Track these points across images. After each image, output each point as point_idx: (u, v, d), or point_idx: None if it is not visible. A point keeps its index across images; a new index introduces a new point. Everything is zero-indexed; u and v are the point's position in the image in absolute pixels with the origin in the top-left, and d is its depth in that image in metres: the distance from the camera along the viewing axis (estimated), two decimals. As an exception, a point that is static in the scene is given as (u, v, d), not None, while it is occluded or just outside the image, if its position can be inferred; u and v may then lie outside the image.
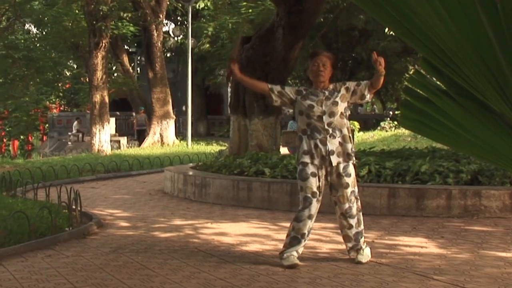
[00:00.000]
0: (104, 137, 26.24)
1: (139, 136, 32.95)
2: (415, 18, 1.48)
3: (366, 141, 25.02)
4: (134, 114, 36.88)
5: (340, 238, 7.39)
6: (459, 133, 1.69)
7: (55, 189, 10.20)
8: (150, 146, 28.35)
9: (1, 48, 32.87)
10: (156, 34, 29.32)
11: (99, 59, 25.94)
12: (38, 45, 34.55)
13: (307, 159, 5.96)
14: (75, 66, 40.50)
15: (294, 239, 5.99)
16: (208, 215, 9.21)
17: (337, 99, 6.03)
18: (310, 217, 5.97)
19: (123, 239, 7.56)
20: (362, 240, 6.14)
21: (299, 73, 33.83)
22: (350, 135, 6.14)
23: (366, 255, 6.13)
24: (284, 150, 14.90)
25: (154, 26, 28.96)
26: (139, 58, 43.73)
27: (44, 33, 34.17)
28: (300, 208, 5.98)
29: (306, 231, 5.99)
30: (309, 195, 5.95)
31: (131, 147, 30.34)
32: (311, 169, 5.95)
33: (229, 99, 27.05)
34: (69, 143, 32.82)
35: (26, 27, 38.27)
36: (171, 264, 6.21)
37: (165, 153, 21.70)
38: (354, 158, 6.08)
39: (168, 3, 31.27)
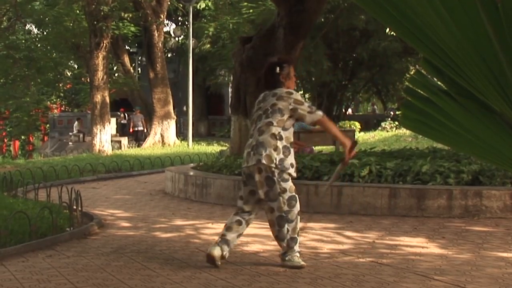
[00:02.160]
0: (105, 137, 26.24)
1: (136, 136, 32.72)
2: (415, 18, 1.48)
3: (367, 141, 25.01)
4: (122, 114, 36.77)
5: (341, 238, 7.41)
6: (460, 133, 1.69)
7: (56, 189, 10.20)
8: (151, 146, 28.35)
9: (2, 48, 32.88)
10: (157, 34, 29.33)
11: (100, 59, 25.94)
12: (39, 45, 34.53)
13: (293, 172, 5.97)
14: (76, 66, 40.49)
15: (292, 240, 5.96)
16: (209, 215, 9.21)
17: None
18: (299, 213, 5.99)
19: (124, 239, 7.56)
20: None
21: (300, 73, 33.83)
22: None
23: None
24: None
25: (155, 26, 28.97)
26: (140, 58, 43.73)
27: (45, 33, 34.15)
28: (287, 209, 5.89)
29: (299, 227, 6.00)
30: (295, 194, 5.97)
31: (131, 147, 30.34)
32: None
33: (230, 99, 27.04)
34: (70, 143, 32.82)
35: (27, 28, 38.28)
36: (172, 264, 6.21)
37: (166, 154, 21.70)
38: None
39: (169, 3, 31.27)
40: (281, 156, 5.85)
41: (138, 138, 32.22)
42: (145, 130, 32.71)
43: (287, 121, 5.95)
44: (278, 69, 6.14)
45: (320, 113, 6.06)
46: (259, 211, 6.18)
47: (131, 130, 33.83)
